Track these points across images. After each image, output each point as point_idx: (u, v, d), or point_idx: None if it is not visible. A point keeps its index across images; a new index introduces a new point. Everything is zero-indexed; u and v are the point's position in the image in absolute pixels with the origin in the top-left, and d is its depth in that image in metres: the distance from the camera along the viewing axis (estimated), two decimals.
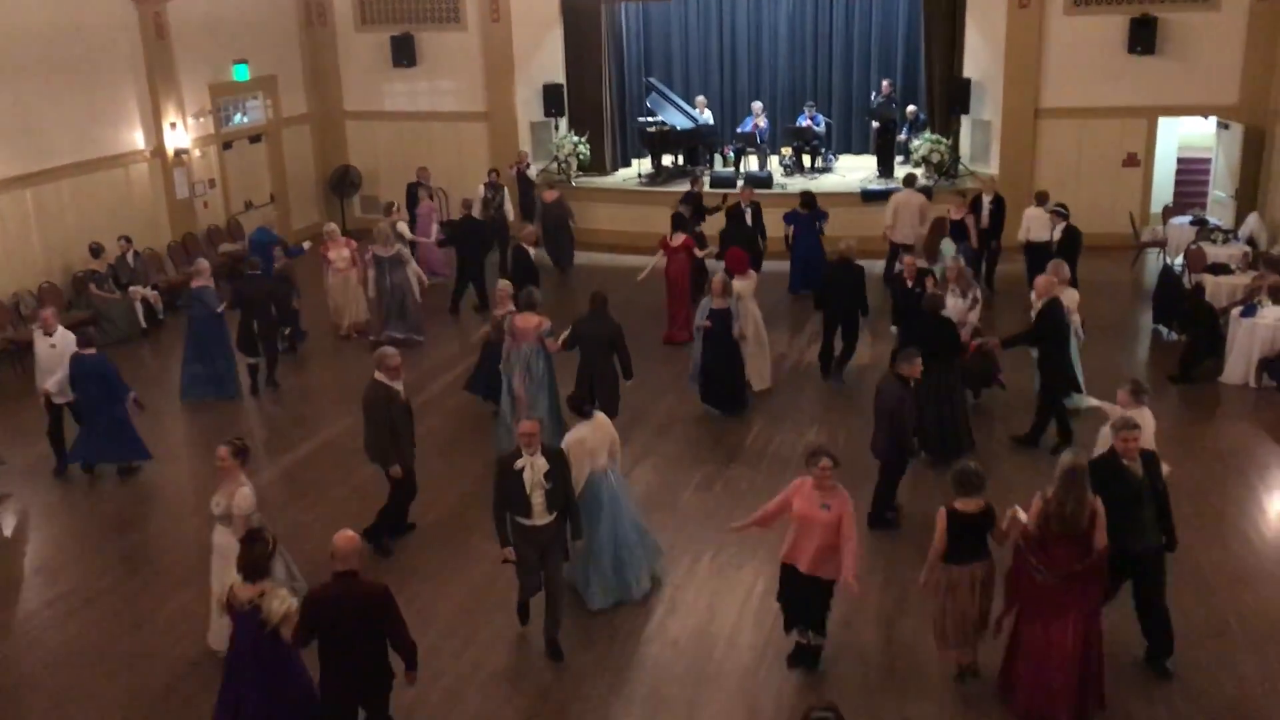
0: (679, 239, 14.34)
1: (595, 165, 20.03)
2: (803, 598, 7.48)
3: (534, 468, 7.52)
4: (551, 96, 19.82)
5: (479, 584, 8.79)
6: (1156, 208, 17.90)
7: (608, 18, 19.97)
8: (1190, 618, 8.06)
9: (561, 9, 19.82)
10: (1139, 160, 17.79)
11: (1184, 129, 18.88)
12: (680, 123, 19.31)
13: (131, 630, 8.34)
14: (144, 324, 15.49)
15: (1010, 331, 11.67)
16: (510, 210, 17.40)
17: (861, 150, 20.94)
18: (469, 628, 8.20)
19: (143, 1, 16.70)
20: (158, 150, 17.14)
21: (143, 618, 8.59)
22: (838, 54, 21.22)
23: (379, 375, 9.04)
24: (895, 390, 9.08)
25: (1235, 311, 12.68)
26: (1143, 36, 17.00)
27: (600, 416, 8.58)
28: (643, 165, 19.99)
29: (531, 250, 14.08)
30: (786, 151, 19.88)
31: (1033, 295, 11.19)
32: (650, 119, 19.54)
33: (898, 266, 13.12)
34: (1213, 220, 16.44)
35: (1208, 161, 18.37)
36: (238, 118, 19.18)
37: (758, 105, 20.07)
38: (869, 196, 18.00)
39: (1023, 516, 6.93)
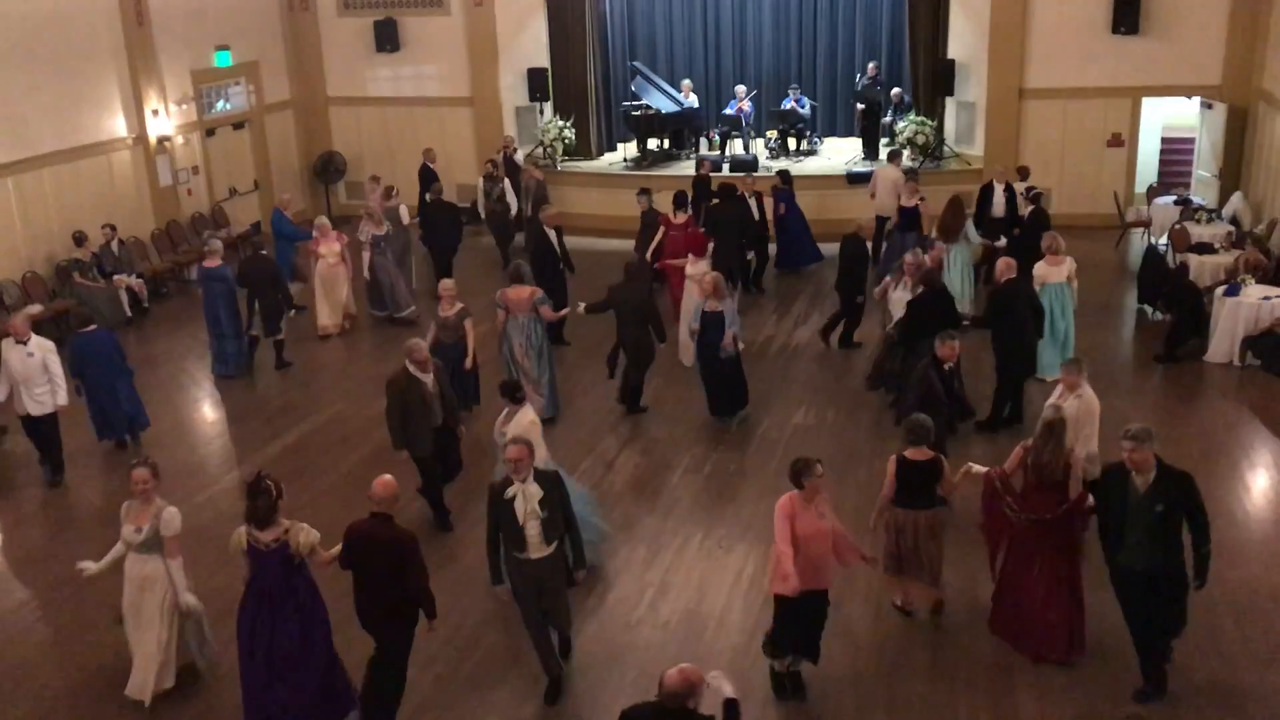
0: (682, 217, 14.45)
1: (580, 150, 19.98)
2: (805, 620, 7.09)
3: (526, 496, 6.77)
4: (536, 81, 19.75)
5: (471, 567, 8.79)
6: (1141, 188, 17.95)
7: (591, 2, 19.88)
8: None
9: None
10: (1123, 140, 17.83)
11: (1168, 109, 18.92)
12: (665, 106, 19.27)
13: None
14: (129, 312, 15.43)
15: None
16: (513, 201, 17.05)
17: (846, 133, 20.92)
18: (459, 613, 8.22)
19: None
20: (140, 138, 17.03)
21: None
22: (822, 37, 21.18)
23: (409, 365, 9.20)
24: (929, 377, 9.16)
25: (1219, 290, 12.75)
26: (1126, 16, 17.02)
27: (527, 408, 8.43)
28: (628, 149, 19.95)
29: (552, 232, 13.74)
30: (771, 134, 19.86)
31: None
32: (635, 103, 19.49)
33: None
34: (1197, 200, 16.51)
35: (1192, 141, 18.43)
36: (220, 104, 19.06)
37: (741, 89, 20.03)
38: (854, 179, 18.01)
39: (978, 469, 7.77)
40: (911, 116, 18.81)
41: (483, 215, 17.53)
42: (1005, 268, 11.02)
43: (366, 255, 14.72)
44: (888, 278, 11.97)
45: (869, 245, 13.41)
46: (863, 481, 9.89)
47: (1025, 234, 13.84)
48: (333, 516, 8.29)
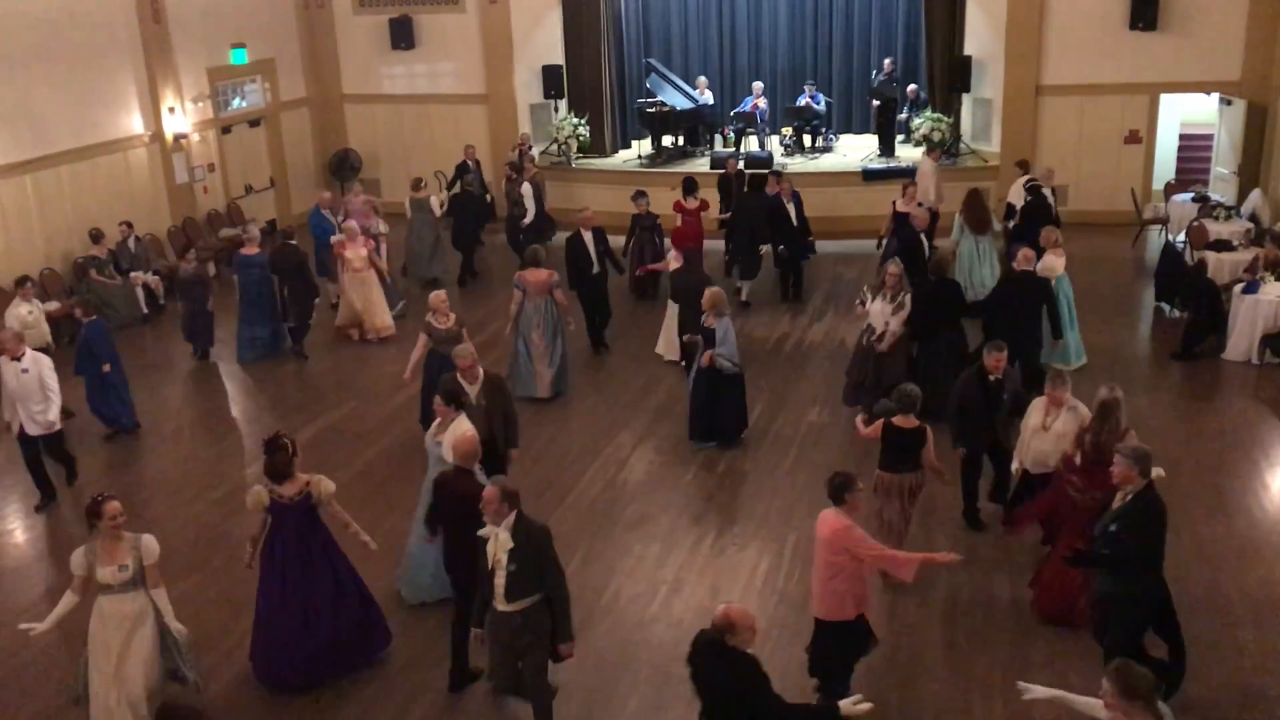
0: (693, 201, 14.90)
1: (595, 147, 19.97)
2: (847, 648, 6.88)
3: (498, 541, 6.28)
4: (551, 78, 19.75)
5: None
6: (1159, 184, 17.83)
7: None
8: (1192, 592, 8.08)
9: None
10: (1141, 137, 17.72)
11: (1186, 105, 18.79)
12: (680, 103, 19.24)
13: None
14: (145, 309, 15.49)
15: None
16: (530, 206, 16.36)
17: (862, 129, 20.86)
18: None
19: None
20: (156, 135, 17.10)
21: None
22: (838, 33, 21.11)
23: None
24: (970, 387, 8.73)
25: (1237, 288, 12.66)
26: (1145, 12, 16.90)
27: (462, 419, 7.88)
28: (643, 147, 19.93)
29: (589, 234, 13.23)
30: (787, 131, 19.80)
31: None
32: (650, 100, 19.47)
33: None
34: (1215, 197, 16.37)
35: (1210, 138, 18.29)
36: (236, 102, 19.12)
37: (758, 85, 19.99)
38: (870, 176, 17.95)
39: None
40: (927, 113, 18.73)
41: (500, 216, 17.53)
42: (1024, 259, 11.11)
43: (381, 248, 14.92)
44: (865, 289, 11.18)
45: (921, 236, 13.00)
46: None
47: (1023, 225, 13.90)
48: (349, 512, 8.29)
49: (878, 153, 18.91)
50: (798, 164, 18.63)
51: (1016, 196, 14.74)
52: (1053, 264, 11.84)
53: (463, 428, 7.69)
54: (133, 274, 15.36)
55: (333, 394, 12.78)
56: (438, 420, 7.98)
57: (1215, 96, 17.61)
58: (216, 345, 13.99)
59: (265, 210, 19.50)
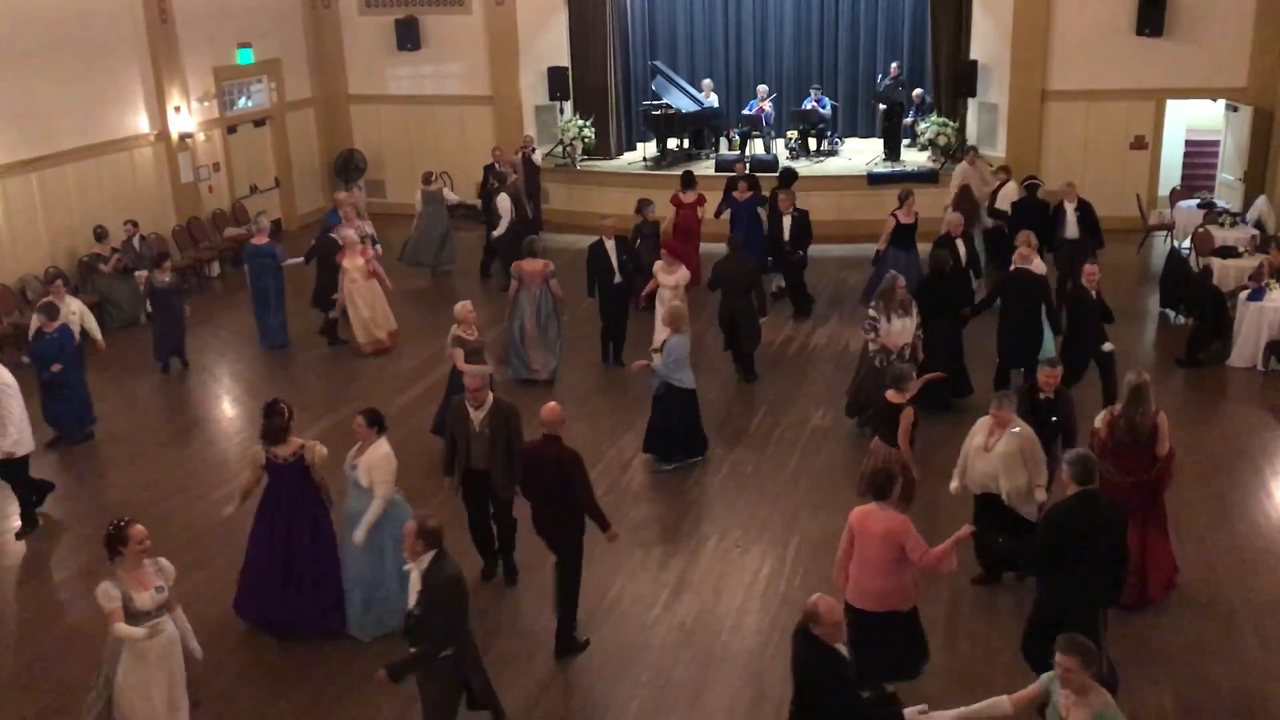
0: (690, 196, 15.28)
1: (600, 149, 19.96)
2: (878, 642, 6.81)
3: (411, 580, 6.24)
4: (556, 80, 19.76)
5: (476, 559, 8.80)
6: (1164, 190, 17.81)
7: (612, 1, 19.88)
8: (1195, 598, 8.08)
9: None
10: (1147, 143, 17.70)
11: (1192, 111, 18.77)
12: (685, 106, 19.24)
13: None
14: (149, 308, 15.47)
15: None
16: (505, 213, 15.84)
17: (868, 134, 20.86)
18: (473, 611, 8.18)
19: None
20: (162, 134, 17.11)
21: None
22: (844, 37, 21.12)
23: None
24: (1019, 407, 8.19)
25: (1242, 295, 12.64)
26: (1151, 18, 16.88)
27: (382, 441, 7.72)
28: (648, 149, 19.93)
29: (609, 242, 12.91)
30: (792, 134, 19.80)
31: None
32: (655, 103, 19.47)
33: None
34: (1220, 203, 16.36)
35: (1216, 144, 18.27)
36: (242, 101, 19.14)
37: (763, 88, 19.99)
38: (875, 180, 17.94)
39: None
40: (933, 117, 18.72)
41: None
42: (1020, 257, 11.37)
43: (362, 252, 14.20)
44: (872, 314, 10.71)
45: (959, 243, 12.67)
46: None
47: (1014, 220, 14.00)
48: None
49: (883, 157, 18.90)
50: (803, 167, 18.58)
51: (1006, 202, 14.76)
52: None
53: (381, 450, 7.64)
54: (137, 273, 15.36)
55: (333, 397, 12.77)
56: (357, 444, 7.78)
57: (1221, 103, 17.59)
58: (220, 348, 14.00)
59: (270, 210, 19.45)
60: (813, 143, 19.58)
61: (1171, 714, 6.95)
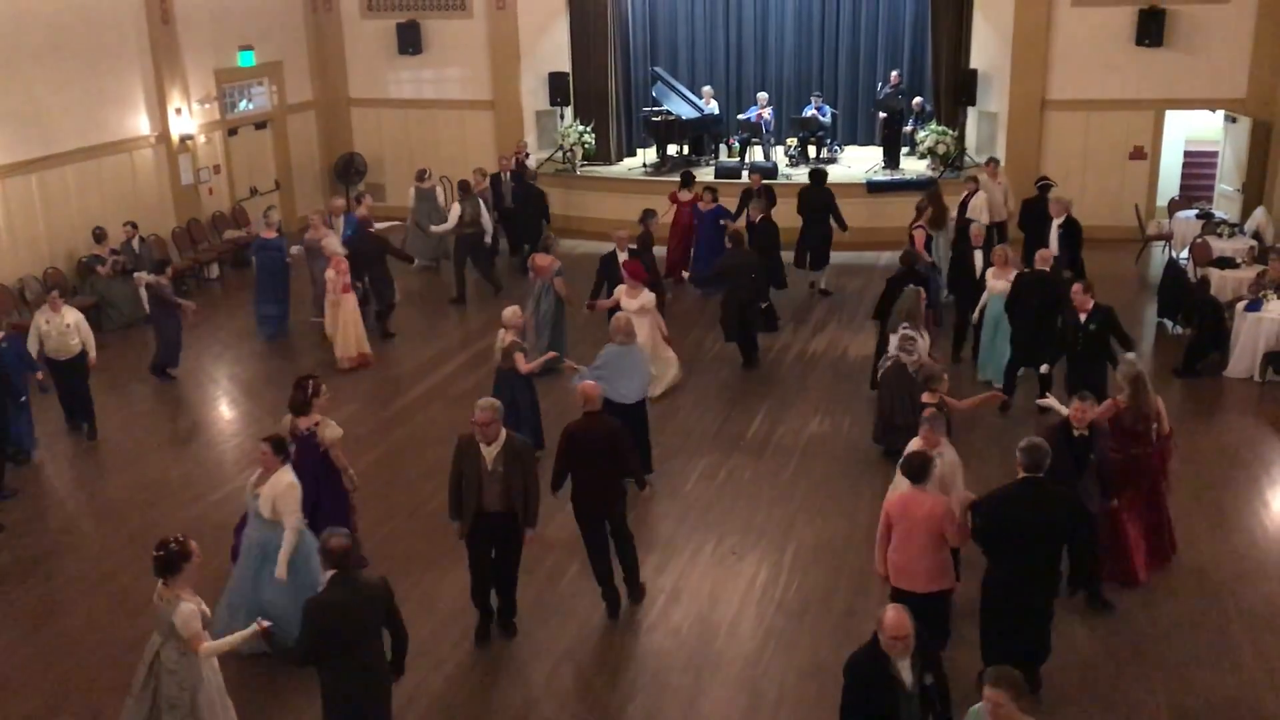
0: (687, 195, 15.70)
1: (600, 154, 19.99)
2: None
3: None
4: (557, 85, 19.78)
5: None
6: (1163, 201, 17.83)
7: (613, 6, 19.91)
8: (1191, 609, 8.08)
9: None
10: (1146, 153, 17.73)
11: (1191, 122, 18.80)
12: (685, 112, 19.26)
13: (132, 616, 8.30)
14: (148, 309, 15.45)
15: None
16: (488, 225, 16.03)
17: (867, 141, 20.89)
18: (471, 616, 8.18)
19: None
20: (163, 136, 17.13)
21: (143, 604, 8.56)
22: (844, 45, 21.15)
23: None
24: (1053, 443, 7.49)
25: (1240, 306, 12.66)
26: (1151, 28, 16.92)
27: (285, 470, 7.45)
28: (648, 155, 19.95)
29: (623, 255, 12.83)
30: (792, 142, 19.82)
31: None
32: (655, 109, 19.49)
33: None
34: (1219, 214, 16.38)
35: (1215, 155, 18.30)
36: (243, 104, 19.15)
37: (762, 96, 20.01)
38: (875, 188, 17.96)
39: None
40: (933, 126, 18.74)
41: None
42: (1041, 259, 11.52)
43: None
44: (909, 331, 10.48)
45: (978, 254, 12.57)
46: (879, 490, 9.79)
47: (1024, 219, 14.33)
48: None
49: (883, 165, 18.92)
50: (802, 175, 18.61)
51: (976, 212, 14.66)
52: (991, 284, 11.72)
53: (285, 480, 7.33)
54: (136, 274, 15.36)
55: (333, 397, 12.74)
56: (259, 471, 7.52)
57: (1220, 114, 17.62)
58: (218, 350, 13.99)
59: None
60: (812, 150, 19.60)
61: None
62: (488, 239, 16.08)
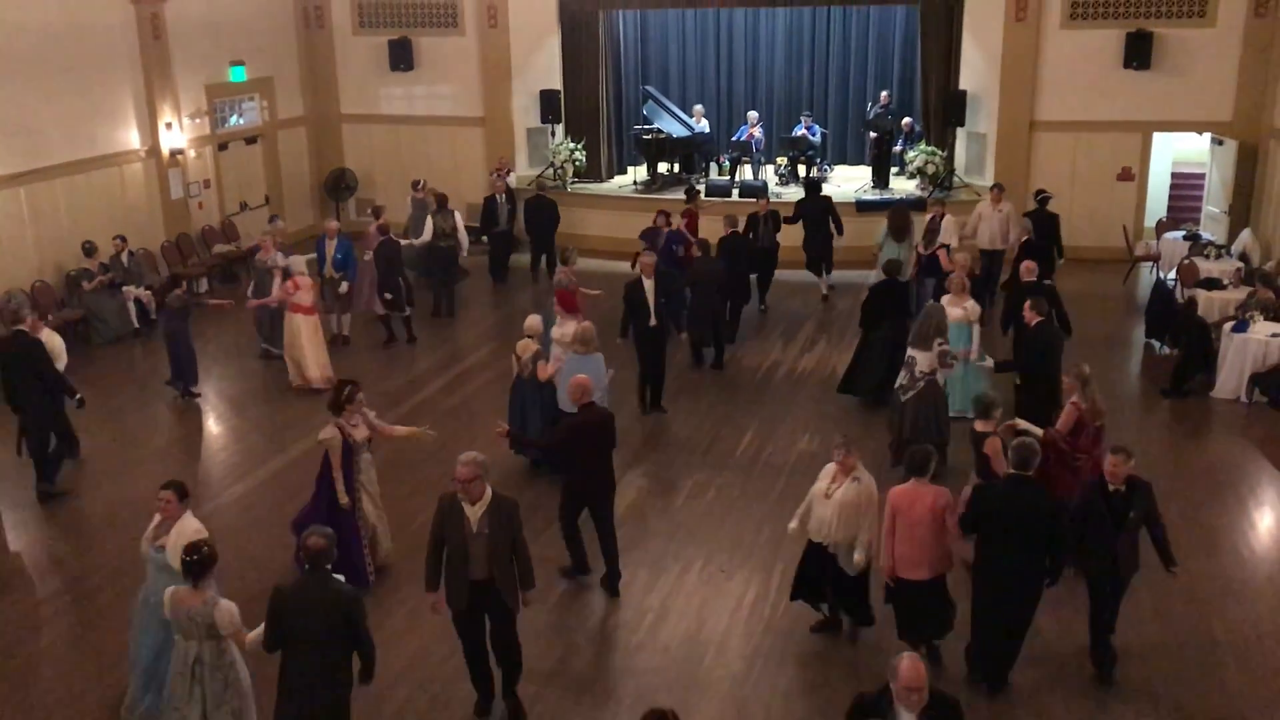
0: (688, 208, 15.86)
1: (591, 172, 20.06)
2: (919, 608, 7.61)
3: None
4: (548, 103, 19.84)
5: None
6: (1150, 222, 17.94)
7: (605, 25, 20.02)
8: (1178, 629, 8.09)
9: (559, 16, 19.87)
10: (1133, 174, 17.85)
11: (1178, 144, 18.93)
12: (676, 131, 19.33)
13: (122, 628, 8.24)
14: (136, 324, 15.46)
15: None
16: (464, 240, 16.16)
17: (857, 161, 20.99)
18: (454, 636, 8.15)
19: (140, 1, 16.68)
20: (153, 150, 17.11)
21: (123, 623, 8.49)
22: (834, 65, 21.29)
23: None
24: (1089, 498, 7.47)
25: (1227, 326, 12.72)
26: (1138, 51, 17.06)
27: (188, 517, 6.97)
28: (638, 173, 20.01)
29: (648, 282, 12.18)
30: (781, 161, 19.89)
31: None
32: (646, 127, 19.55)
33: None
34: (1206, 235, 16.50)
35: (1202, 177, 18.43)
36: (234, 119, 19.16)
37: (753, 115, 20.10)
38: (864, 207, 18.03)
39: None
40: (922, 146, 18.85)
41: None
42: (1026, 270, 11.74)
43: (276, 284, 13.80)
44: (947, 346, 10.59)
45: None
46: None
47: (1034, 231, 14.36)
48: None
49: (872, 184, 19.01)
50: (792, 194, 18.69)
51: (948, 236, 14.64)
52: (948, 311, 11.11)
53: (192, 526, 6.86)
54: (124, 288, 15.33)
55: (323, 412, 12.69)
56: (156, 519, 6.98)
57: (1207, 136, 17.76)
58: (206, 364, 13.94)
59: (259, 227, 19.45)
60: (802, 169, 19.68)
61: None
62: (463, 254, 16.16)
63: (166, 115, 17.20)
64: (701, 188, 18.70)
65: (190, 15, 17.55)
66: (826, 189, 19.26)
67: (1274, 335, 12.38)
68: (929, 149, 18.62)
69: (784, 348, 14.51)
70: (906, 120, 19.77)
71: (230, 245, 17.99)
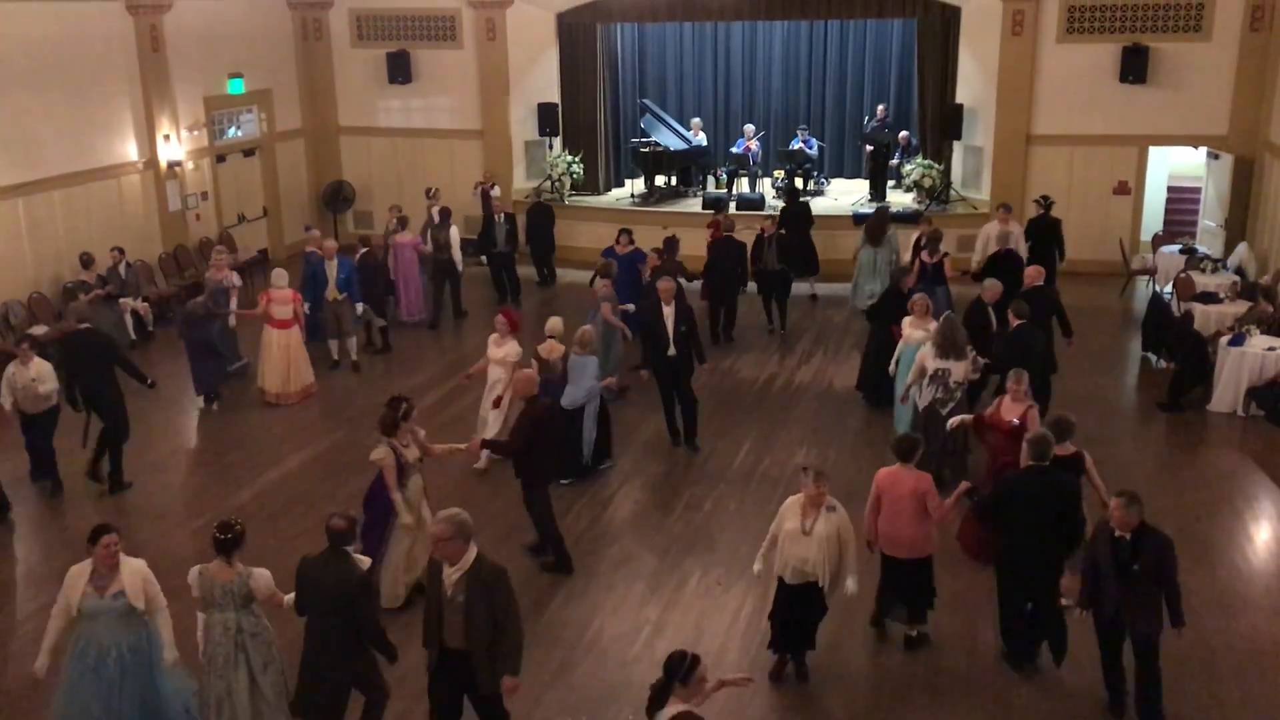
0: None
1: (588, 184, 20.08)
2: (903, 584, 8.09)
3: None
4: (546, 116, 19.87)
5: None
6: (1146, 235, 17.97)
7: (603, 39, 20.07)
8: (1176, 644, 8.04)
9: (557, 29, 19.93)
10: (1129, 188, 17.89)
11: (1175, 158, 18.99)
12: (673, 144, 19.37)
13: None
14: (133, 335, 15.42)
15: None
16: (458, 256, 16.07)
17: (854, 174, 21.04)
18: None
19: (139, 14, 16.71)
20: (151, 162, 17.12)
21: None
22: (831, 78, 21.36)
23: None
24: (1098, 541, 7.13)
25: (1223, 340, 12.74)
26: (1134, 66, 17.12)
27: (124, 556, 6.73)
28: (635, 185, 20.04)
29: (668, 309, 11.50)
30: (779, 174, 19.93)
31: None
32: (644, 140, 19.59)
33: None
34: (1202, 249, 16.53)
35: (1198, 191, 18.48)
36: (232, 131, 19.18)
37: (750, 128, 20.15)
38: (861, 220, 18.05)
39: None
40: (919, 159, 18.89)
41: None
42: (1035, 274, 11.97)
43: (233, 303, 13.82)
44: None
45: (990, 309, 11.79)
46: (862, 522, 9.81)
47: (1030, 237, 14.87)
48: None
49: (869, 197, 19.04)
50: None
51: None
52: (908, 333, 11.24)
53: (138, 563, 6.72)
54: (122, 299, 15.31)
55: (319, 423, 12.74)
56: (88, 569, 6.61)
57: (1203, 150, 17.81)
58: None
59: (257, 239, 19.51)
60: (799, 182, 19.71)
61: None
62: (459, 268, 16.11)
63: (164, 127, 17.22)
64: (733, 202, 18.79)
65: (189, 27, 17.58)
66: (824, 202, 19.44)
67: (1270, 349, 12.39)
68: (926, 162, 18.66)
69: (781, 360, 14.51)
70: (903, 134, 19.82)
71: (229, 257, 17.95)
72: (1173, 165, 19.08)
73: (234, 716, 6.63)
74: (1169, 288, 15.41)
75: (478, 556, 6.21)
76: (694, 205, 18.99)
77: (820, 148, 20.26)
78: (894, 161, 19.53)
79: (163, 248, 17.27)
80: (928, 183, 18.44)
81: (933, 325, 10.95)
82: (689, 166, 19.97)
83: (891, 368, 11.53)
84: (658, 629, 8.48)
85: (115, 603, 6.58)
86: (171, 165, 17.39)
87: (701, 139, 20.11)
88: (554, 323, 11.34)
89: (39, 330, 14.10)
